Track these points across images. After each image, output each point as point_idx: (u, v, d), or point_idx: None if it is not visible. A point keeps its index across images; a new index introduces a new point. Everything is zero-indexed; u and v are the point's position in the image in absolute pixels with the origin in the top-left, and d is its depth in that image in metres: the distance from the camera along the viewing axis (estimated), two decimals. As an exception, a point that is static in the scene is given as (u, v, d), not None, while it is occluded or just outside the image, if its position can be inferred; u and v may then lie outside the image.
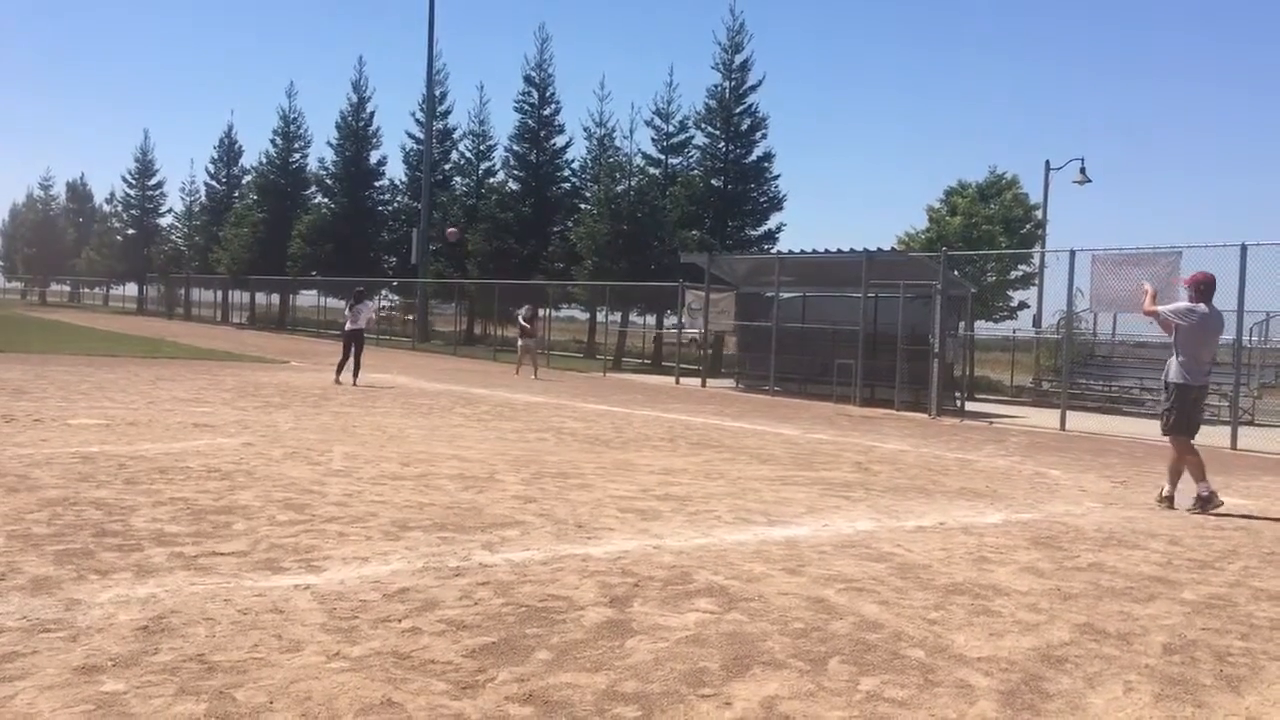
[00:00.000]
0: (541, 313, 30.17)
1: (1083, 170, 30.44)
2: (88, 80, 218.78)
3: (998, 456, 13.39)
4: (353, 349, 19.79)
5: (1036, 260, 28.81)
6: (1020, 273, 30.08)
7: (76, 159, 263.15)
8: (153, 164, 77.41)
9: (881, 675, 4.39)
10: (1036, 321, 29.58)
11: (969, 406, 21.78)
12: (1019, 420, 20.12)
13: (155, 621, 4.59)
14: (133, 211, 77.78)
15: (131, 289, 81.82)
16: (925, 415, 19.64)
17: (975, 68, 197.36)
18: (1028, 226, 30.56)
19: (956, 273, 23.06)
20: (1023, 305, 30.60)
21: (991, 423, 19.27)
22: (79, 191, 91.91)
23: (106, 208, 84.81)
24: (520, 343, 26.98)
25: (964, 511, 8.77)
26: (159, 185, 77.64)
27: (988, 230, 29.07)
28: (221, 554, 5.88)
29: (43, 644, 4.23)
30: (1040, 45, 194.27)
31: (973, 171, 66.01)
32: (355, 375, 19.62)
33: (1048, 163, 31.01)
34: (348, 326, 20.44)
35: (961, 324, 22.97)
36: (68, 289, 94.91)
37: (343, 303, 20.96)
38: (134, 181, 77.40)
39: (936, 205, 31.40)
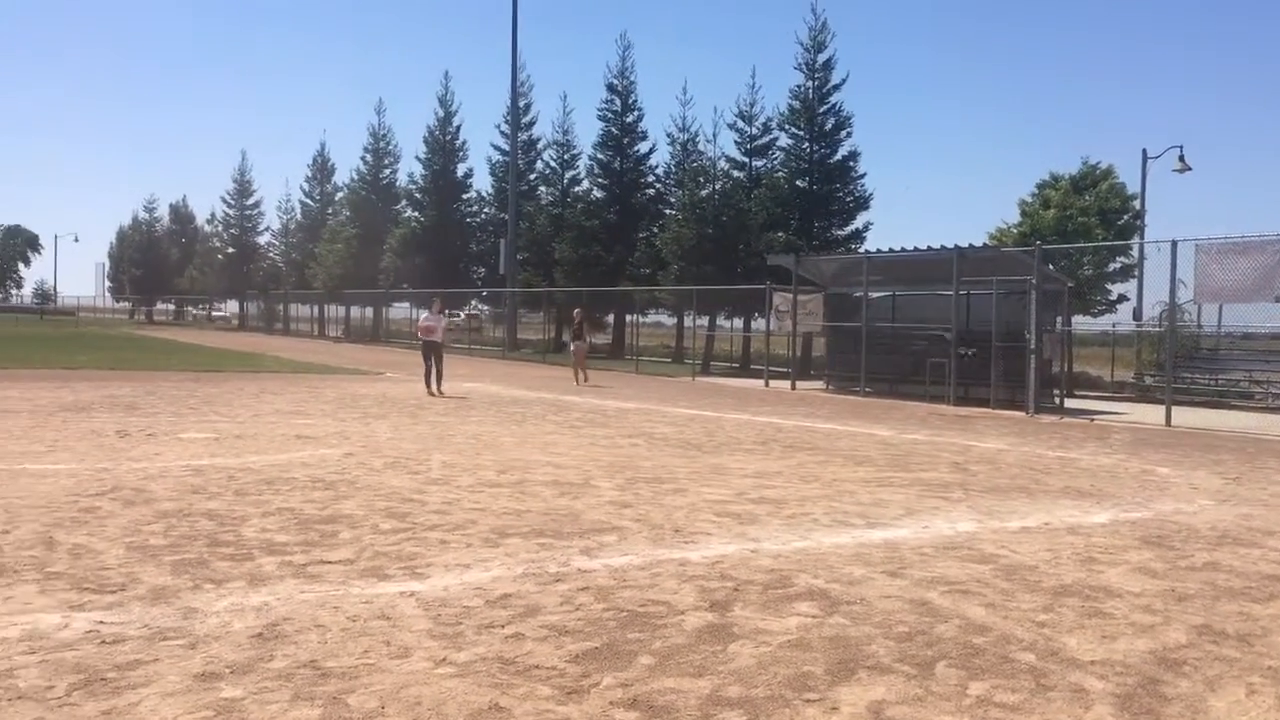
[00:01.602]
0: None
1: (1181, 158, 29.57)
2: (187, 105, 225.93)
3: (1101, 454, 13.05)
4: (432, 358, 20.36)
5: (1135, 252, 28.00)
6: (1119, 265, 29.23)
7: (178, 182, 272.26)
8: (250, 184, 79.57)
9: (992, 679, 4.31)
10: (1137, 315, 28.77)
11: (1068, 403, 21.27)
12: (1122, 417, 19.59)
13: (269, 629, 4.71)
14: (232, 231, 79.94)
15: (233, 306, 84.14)
16: (1022, 413, 19.23)
17: (1065, 57, 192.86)
18: (1125, 217, 29.69)
19: (1051, 267, 22.52)
20: (1122, 298, 29.74)
21: (1093, 419, 18.79)
22: (181, 213, 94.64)
23: (207, 228, 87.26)
24: (573, 346, 26.75)
25: (1069, 511, 8.57)
26: (256, 204, 79.77)
27: (1083, 222, 28.28)
28: (329, 562, 6.02)
29: (163, 651, 4.37)
30: (1134, 31, 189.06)
31: (1065, 164, 64.55)
32: (438, 383, 20.11)
33: (1144, 151, 30.22)
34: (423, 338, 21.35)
35: (1059, 319, 22.46)
36: (172, 307, 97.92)
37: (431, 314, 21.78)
38: (233, 202, 79.62)
39: (1029, 199, 30.71)
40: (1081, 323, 29.27)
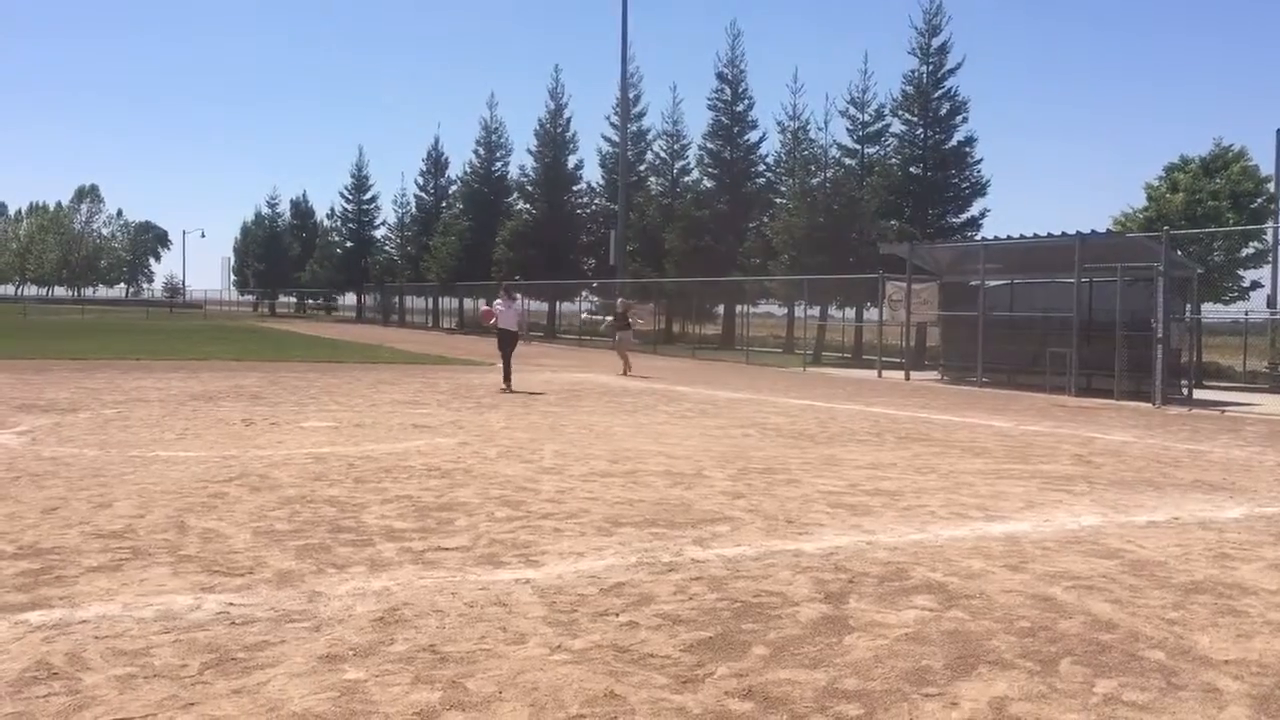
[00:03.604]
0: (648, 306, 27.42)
1: (1320, 137, 28.14)
2: (305, 101, 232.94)
3: (1234, 447, 12.53)
4: (506, 350, 18.98)
5: (1270, 236, 26.79)
6: (1252, 250, 28.01)
7: (299, 177, 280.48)
8: (367, 179, 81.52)
9: (1119, 677, 4.17)
10: (1271, 302, 27.55)
11: (1197, 394, 20.48)
12: (1255, 408, 18.77)
13: (389, 613, 4.82)
14: (350, 225, 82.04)
15: (351, 298, 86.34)
16: (1148, 404, 18.57)
17: (1192, 36, 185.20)
18: (1259, 201, 28.43)
19: (1180, 253, 21.68)
20: (1255, 285, 28.52)
21: (1224, 411, 18.05)
22: (301, 208, 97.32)
23: (327, 222, 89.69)
24: (617, 336, 26.13)
25: (1200, 505, 8.24)
26: (373, 199, 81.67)
27: (1214, 206, 27.16)
28: (446, 549, 6.13)
29: (290, 634, 4.51)
30: (1262, 4, 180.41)
31: (1194, 146, 62.19)
32: (505, 379, 18.66)
33: (1278, 132, 28.85)
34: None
35: (1187, 307, 21.62)
36: (294, 300, 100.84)
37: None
38: (350, 196, 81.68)
39: (1155, 183, 29.61)
40: (1212, 311, 28.16)
